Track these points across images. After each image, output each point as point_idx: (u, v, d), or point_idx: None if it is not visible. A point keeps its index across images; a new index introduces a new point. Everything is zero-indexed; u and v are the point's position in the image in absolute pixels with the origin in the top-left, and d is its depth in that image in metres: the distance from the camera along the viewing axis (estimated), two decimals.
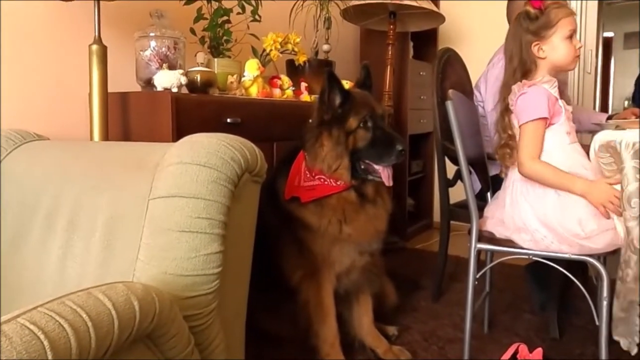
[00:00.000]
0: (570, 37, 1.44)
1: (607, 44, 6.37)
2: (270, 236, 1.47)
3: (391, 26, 2.65)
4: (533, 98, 1.39)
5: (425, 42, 3.32)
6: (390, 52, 2.67)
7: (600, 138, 1.22)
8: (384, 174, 1.42)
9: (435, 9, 2.55)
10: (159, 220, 0.99)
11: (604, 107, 5.64)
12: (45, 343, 0.59)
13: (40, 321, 0.61)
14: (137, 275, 0.98)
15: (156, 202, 1.01)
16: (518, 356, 1.31)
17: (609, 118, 1.97)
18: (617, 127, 1.39)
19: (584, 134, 1.99)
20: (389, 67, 2.68)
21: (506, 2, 2.17)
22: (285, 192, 1.48)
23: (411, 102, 3.10)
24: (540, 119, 1.38)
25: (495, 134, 1.55)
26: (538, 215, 1.37)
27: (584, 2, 3.03)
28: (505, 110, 1.49)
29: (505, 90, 1.50)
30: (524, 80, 1.45)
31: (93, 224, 1.08)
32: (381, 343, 1.64)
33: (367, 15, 2.71)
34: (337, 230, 1.44)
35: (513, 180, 1.48)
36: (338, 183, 1.43)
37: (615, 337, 1.29)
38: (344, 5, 2.49)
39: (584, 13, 3.05)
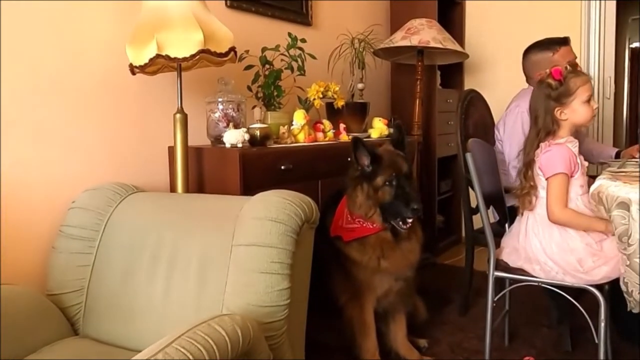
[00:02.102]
0: (588, 100, 1.66)
1: (637, 55, 6.41)
2: (321, 264, 1.77)
3: (419, 63, 2.92)
4: (557, 155, 1.62)
5: (452, 70, 3.57)
6: (418, 86, 2.94)
7: (593, 187, 1.47)
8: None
9: (459, 48, 2.81)
10: (242, 263, 1.31)
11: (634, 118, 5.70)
12: None
13: (187, 346, 0.93)
14: (226, 305, 1.29)
15: (239, 248, 1.33)
16: None
17: (618, 154, 2.19)
18: (619, 167, 1.63)
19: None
20: (417, 99, 2.96)
21: (525, 54, 2.38)
22: (331, 230, 1.79)
23: (439, 128, 3.35)
24: (563, 174, 1.60)
25: (517, 181, 1.78)
26: (546, 251, 1.63)
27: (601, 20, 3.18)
28: (530, 164, 1.70)
29: (529, 145, 1.71)
30: (549, 140, 1.67)
31: (188, 263, 1.40)
32: (413, 354, 1.92)
33: (397, 53, 2.99)
34: (375, 264, 1.74)
35: (527, 218, 1.73)
36: (374, 225, 1.73)
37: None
38: (376, 47, 2.79)
39: (603, 31, 3.21)
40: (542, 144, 1.68)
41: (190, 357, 0.91)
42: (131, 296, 1.45)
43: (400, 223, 1.71)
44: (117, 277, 1.48)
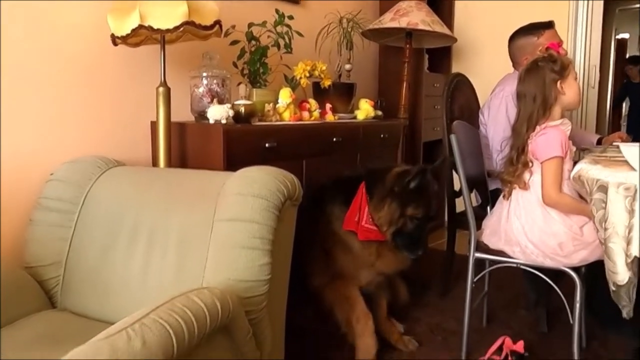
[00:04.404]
0: (575, 79, 1.70)
1: (622, 46, 6.48)
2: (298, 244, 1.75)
3: (407, 45, 2.90)
4: (553, 138, 1.62)
5: (440, 55, 3.56)
6: (406, 69, 2.93)
7: (574, 171, 1.48)
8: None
9: (447, 32, 2.80)
10: (223, 238, 1.30)
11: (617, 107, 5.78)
12: (171, 332, 0.90)
13: (164, 317, 0.92)
14: (206, 280, 1.29)
15: (220, 223, 1.32)
16: (504, 346, 1.59)
17: (599, 140, 2.21)
18: (600, 153, 1.65)
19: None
20: (404, 82, 2.95)
21: (510, 39, 2.39)
22: (344, 223, 1.77)
23: (426, 112, 3.36)
24: (559, 157, 1.62)
25: (501, 165, 1.79)
26: (527, 234, 1.65)
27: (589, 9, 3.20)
28: (522, 145, 1.69)
29: (521, 127, 1.70)
30: (544, 122, 1.67)
31: (168, 238, 1.39)
32: (393, 333, 1.94)
33: (385, 35, 2.97)
34: (372, 261, 1.78)
35: (509, 201, 1.75)
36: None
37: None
38: (364, 27, 2.76)
39: (590, 20, 3.23)
40: (538, 127, 1.68)
41: (168, 328, 0.90)
42: (110, 271, 1.43)
43: (409, 252, 1.75)
44: (96, 251, 1.46)
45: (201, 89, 1.83)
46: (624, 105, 6.03)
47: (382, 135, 2.65)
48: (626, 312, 1.30)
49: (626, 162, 1.40)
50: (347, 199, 1.79)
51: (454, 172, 2.33)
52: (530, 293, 2.24)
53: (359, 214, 1.74)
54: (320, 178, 2.13)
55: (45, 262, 1.47)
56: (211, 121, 1.75)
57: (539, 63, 1.68)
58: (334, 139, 2.27)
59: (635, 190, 1.25)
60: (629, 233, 1.26)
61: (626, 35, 6.76)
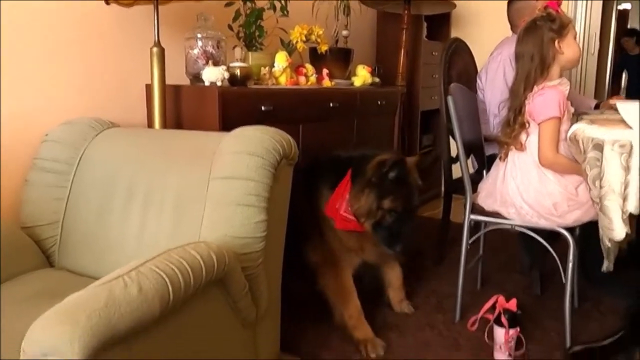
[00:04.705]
0: (575, 38, 1.67)
1: (624, 16, 6.40)
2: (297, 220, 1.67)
3: (405, 11, 2.86)
4: (551, 99, 1.61)
5: (439, 22, 3.52)
6: (404, 36, 2.89)
7: (570, 131, 1.48)
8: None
9: None
10: (219, 196, 1.30)
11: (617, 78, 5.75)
12: (167, 280, 0.91)
13: (161, 266, 0.93)
14: (203, 238, 1.29)
15: (216, 182, 1.32)
16: (497, 305, 1.61)
17: (597, 105, 2.20)
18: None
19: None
20: (402, 49, 2.92)
21: None
22: (326, 208, 1.69)
23: (423, 81, 3.33)
24: (556, 117, 1.61)
25: (499, 129, 1.77)
26: (522, 195, 1.65)
27: None
28: (520, 106, 1.67)
29: (519, 86, 1.68)
30: (542, 82, 1.65)
31: (164, 197, 1.39)
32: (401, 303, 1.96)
33: (383, 1, 2.92)
34: (355, 249, 1.74)
35: (505, 163, 1.75)
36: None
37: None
38: None
39: None
40: (535, 87, 1.66)
41: (164, 276, 0.91)
42: (106, 230, 1.44)
43: (387, 248, 1.66)
44: (92, 211, 1.46)
45: (196, 51, 1.81)
46: (623, 76, 5.99)
47: (379, 102, 2.64)
48: (606, 266, 1.33)
49: (622, 122, 1.39)
50: (337, 180, 1.72)
51: (450, 138, 2.34)
52: (525, 257, 2.26)
53: (339, 201, 1.67)
54: (317, 145, 2.13)
55: (42, 222, 1.47)
56: (206, 83, 1.74)
57: (537, 22, 1.66)
58: (331, 105, 2.25)
59: (631, 147, 1.25)
60: (624, 190, 1.26)
61: (628, 6, 6.67)
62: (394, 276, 1.96)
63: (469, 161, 2.00)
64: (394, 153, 1.66)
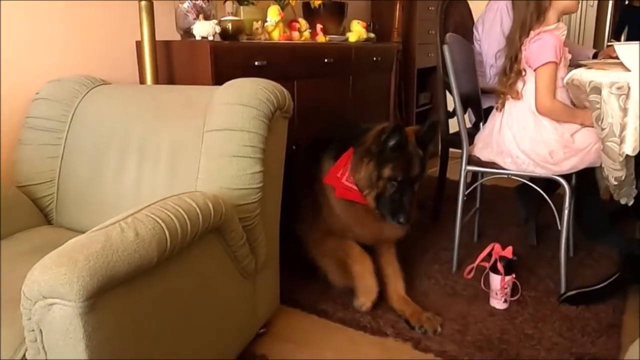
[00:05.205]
0: None
1: None
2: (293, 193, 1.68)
3: None
4: (547, 44, 1.58)
5: None
6: None
7: (568, 76, 1.47)
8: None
9: None
10: (214, 148, 1.29)
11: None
12: (163, 226, 0.91)
13: (157, 213, 0.93)
14: (199, 189, 1.29)
15: (210, 134, 1.31)
16: (493, 253, 1.63)
17: (595, 55, 2.17)
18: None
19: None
20: (398, 4, 2.85)
21: None
22: (326, 177, 1.67)
23: (420, 37, 3.27)
24: (553, 62, 1.58)
25: (496, 79, 1.74)
26: (519, 144, 1.65)
27: None
28: (516, 54, 1.64)
29: (515, 33, 1.65)
30: (538, 27, 1.62)
31: (158, 152, 1.38)
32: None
33: None
34: (353, 226, 1.69)
35: (502, 113, 1.74)
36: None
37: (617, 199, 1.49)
38: None
39: None
40: (532, 32, 1.63)
41: (161, 223, 0.91)
42: (102, 186, 1.43)
43: (390, 218, 1.61)
44: (87, 167, 1.45)
45: (186, 5, 1.77)
46: (622, 37, 5.86)
47: (374, 59, 2.60)
48: (627, 199, 1.34)
49: (619, 65, 1.38)
50: (340, 154, 1.69)
51: (447, 93, 2.31)
52: (521, 210, 2.28)
53: (341, 170, 1.66)
54: (313, 102, 2.11)
55: (37, 180, 1.47)
56: (197, 38, 1.70)
57: None
58: (325, 60, 2.22)
59: (628, 89, 1.24)
60: (622, 132, 1.26)
61: None
62: (391, 270, 1.76)
63: (466, 116, 1.98)
64: (393, 123, 1.62)
